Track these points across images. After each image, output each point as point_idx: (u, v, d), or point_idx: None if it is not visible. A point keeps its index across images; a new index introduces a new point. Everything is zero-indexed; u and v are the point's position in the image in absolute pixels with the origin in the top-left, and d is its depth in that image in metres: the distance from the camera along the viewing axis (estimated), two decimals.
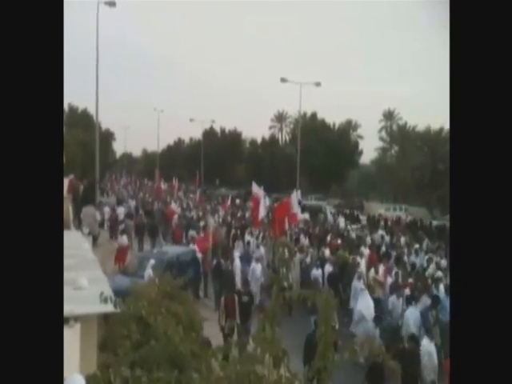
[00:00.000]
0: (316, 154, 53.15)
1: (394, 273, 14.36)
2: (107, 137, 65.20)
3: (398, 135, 60.32)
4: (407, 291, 12.32)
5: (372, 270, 14.87)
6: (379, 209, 42.04)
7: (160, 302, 4.79)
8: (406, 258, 18.30)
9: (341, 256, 16.82)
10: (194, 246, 17.37)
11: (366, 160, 66.67)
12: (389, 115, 65.13)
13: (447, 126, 44.71)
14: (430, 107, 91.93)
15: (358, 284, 12.86)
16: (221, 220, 26.99)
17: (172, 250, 16.23)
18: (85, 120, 52.94)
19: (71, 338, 3.74)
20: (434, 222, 33.99)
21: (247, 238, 20.65)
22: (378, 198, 59.04)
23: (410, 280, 13.37)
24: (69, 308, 3.78)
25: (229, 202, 32.81)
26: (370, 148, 65.35)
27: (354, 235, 23.96)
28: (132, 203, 33.58)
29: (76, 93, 70.08)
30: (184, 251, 16.20)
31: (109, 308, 3.57)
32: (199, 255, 16.05)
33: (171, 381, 3.18)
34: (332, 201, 50.72)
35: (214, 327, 10.01)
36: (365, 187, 62.08)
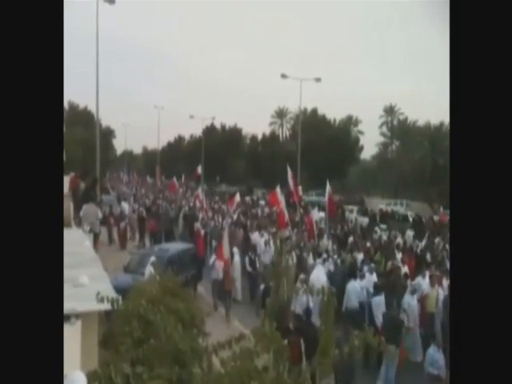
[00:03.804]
0: (317, 149, 53.04)
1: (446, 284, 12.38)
2: (108, 134, 65.25)
3: (399, 130, 60.30)
4: None
5: (419, 280, 12.58)
6: (380, 204, 42.02)
7: (160, 299, 4.80)
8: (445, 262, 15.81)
9: (380, 263, 15.07)
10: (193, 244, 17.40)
11: (367, 155, 66.80)
12: (389, 110, 65.01)
13: (447, 120, 44.74)
14: (429, 102, 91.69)
15: (410, 299, 11.08)
16: (229, 220, 24.35)
17: (173, 247, 16.27)
18: (85, 118, 53.04)
19: (72, 335, 3.76)
20: (436, 217, 33.94)
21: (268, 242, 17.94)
22: (379, 193, 59.00)
23: None
24: (70, 305, 3.80)
25: (237, 200, 28.11)
26: (370, 143, 65.38)
27: (384, 237, 21.25)
28: (133, 200, 33.62)
29: (76, 90, 70.26)
30: (185, 248, 16.24)
31: (109, 305, 3.58)
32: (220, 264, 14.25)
33: (172, 377, 3.18)
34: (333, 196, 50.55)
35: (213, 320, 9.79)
36: (365, 182, 62.06)
